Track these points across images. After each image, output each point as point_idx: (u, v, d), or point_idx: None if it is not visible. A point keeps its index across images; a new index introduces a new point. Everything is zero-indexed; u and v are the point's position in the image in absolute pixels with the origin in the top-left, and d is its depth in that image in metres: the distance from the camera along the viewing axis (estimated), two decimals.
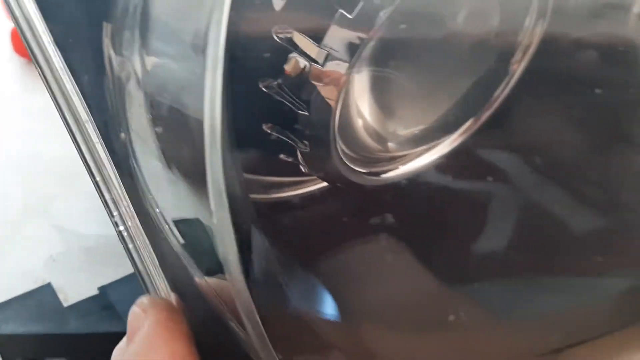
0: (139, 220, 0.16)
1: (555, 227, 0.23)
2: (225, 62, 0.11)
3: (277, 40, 0.16)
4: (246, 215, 0.16)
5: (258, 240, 0.16)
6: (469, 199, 0.21)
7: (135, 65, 0.13)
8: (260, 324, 0.14)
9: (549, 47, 0.20)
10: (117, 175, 0.16)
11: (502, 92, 0.21)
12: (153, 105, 0.14)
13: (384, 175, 0.20)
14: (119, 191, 0.16)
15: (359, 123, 0.20)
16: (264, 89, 0.17)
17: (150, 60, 0.13)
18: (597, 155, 0.23)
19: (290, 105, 0.17)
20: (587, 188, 0.23)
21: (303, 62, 0.16)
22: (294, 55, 0.15)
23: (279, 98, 0.17)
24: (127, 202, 0.16)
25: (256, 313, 0.14)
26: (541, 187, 0.22)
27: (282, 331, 0.16)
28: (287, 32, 0.16)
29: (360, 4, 0.15)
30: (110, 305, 0.25)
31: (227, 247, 0.13)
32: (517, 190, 0.22)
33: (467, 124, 0.20)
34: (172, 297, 0.18)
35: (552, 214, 0.23)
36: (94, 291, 0.25)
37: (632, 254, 0.22)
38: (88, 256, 0.25)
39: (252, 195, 0.21)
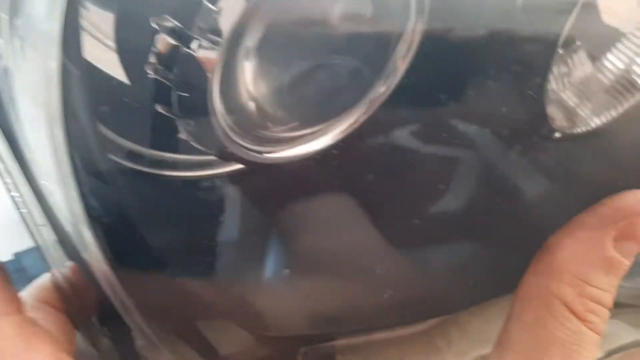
0: (33, 192, 0.18)
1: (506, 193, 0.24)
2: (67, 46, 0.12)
3: (156, 27, 0.17)
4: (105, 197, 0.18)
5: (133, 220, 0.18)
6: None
7: (10, 58, 0.15)
8: (123, 294, 0.15)
9: (432, 42, 0.21)
10: (9, 148, 0.17)
11: (390, 85, 0.22)
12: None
13: (275, 154, 0.21)
14: (10, 162, 0.17)
15: (251, 106, 0.21)
16: (148, 70, 0.19)
17: (23, 52, 0.15)
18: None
19: (170, 85, 0.18)
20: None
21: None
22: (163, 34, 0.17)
23: (160, 79, 0.18)
24: (18, 172, 0.18)
25: (119, 287, 0.16)
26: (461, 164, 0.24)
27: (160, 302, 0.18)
28: (166, 21, 0.17)
29: None
30: (23, 268, 0.27)
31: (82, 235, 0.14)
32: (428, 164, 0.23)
33: (357, 113, 0.22)
34: (68, 265, 0.20)
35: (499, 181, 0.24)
36: (10, 257, 0.27)
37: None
38: (10, 227, 0.27)
39: (170, 173, 0.22)
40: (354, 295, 0.21)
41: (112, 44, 0.19)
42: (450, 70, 0.22)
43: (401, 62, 0.22)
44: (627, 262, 0.21)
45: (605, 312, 0.21)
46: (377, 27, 0.21)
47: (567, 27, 0.23)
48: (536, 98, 0.24)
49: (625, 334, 0.31)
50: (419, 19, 0.21)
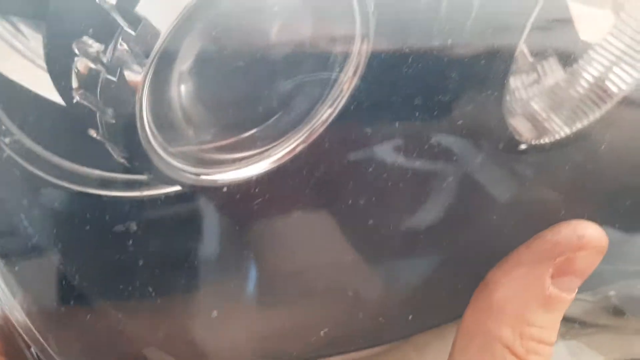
0: None
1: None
2: None
3: (75, 49, 0.17)
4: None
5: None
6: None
7: None
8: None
9: (377, 64, 0.21)
10: None
11: (335, 110, 0.21)
12: None
13: (211, 177, 0.20)
14: None
15: (187, 128, 0.21)
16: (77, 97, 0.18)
17: None
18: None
19: (96, 110, 0.18)
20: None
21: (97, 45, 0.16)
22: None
23: (88, 105, 0.18)
24: None
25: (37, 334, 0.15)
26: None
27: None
28: (88, 46, 0.17)
29: (143, 22, 0.16)
30: None
31: None
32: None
33: (302, 135, 0.21)
34: None
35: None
36: None
37: None
38: None
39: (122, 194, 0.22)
40: (289, 329, 0.21)
41: (42, 64, 0.19)
42: (398, 91, 0.22)
43: (347, 85, 0.21)
44: (568, 297, 0.20)
45: (549, 349, 0.21)
46: (321, 49, 0.20)
47: (522, 41, 0.23)
48: (495, 112, 0.23)
49: (586, 358, 0.30)
50: (364, 41, 0.20)
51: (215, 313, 0.19)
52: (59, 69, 0.18)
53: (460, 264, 0.24)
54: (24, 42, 0.18)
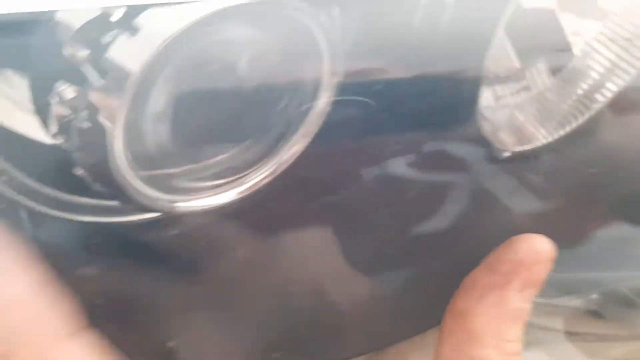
0: None
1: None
2: None
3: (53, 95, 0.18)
4: None
5: None
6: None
7: None
8: None
9: (347, 94, 0.21)
10: None
11: (304, 143, 0.22)
12: None
13: (184, 203, 0.21)
14: None
15: (162, 161, 0.22)
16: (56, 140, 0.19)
17: None
18: None
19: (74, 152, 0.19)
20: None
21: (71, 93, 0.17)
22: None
23: (67, 146, 0.19)
24: None
25: None
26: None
27: None
28: (62, 92, 0.18)
29: (112, 68, 0.17)
30: None
31: None
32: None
33: (271, 167, 0.22)
34: None
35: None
36: None
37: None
38: None
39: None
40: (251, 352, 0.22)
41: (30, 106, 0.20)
42: (369, 119, 0.22)
43: (317, 117, 0.22)
44: (530, 307, 0.22)
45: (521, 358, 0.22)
46: (289, 83, 0.21)
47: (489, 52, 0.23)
48: (474, 123, 0.24)
49: None
50: (333, 73, 0.21)
51: (172, 343, 0.20)
52: (43, 113, 0.19)
53: (429, 281, 0.24)
54: (11, 89, 0.19)
